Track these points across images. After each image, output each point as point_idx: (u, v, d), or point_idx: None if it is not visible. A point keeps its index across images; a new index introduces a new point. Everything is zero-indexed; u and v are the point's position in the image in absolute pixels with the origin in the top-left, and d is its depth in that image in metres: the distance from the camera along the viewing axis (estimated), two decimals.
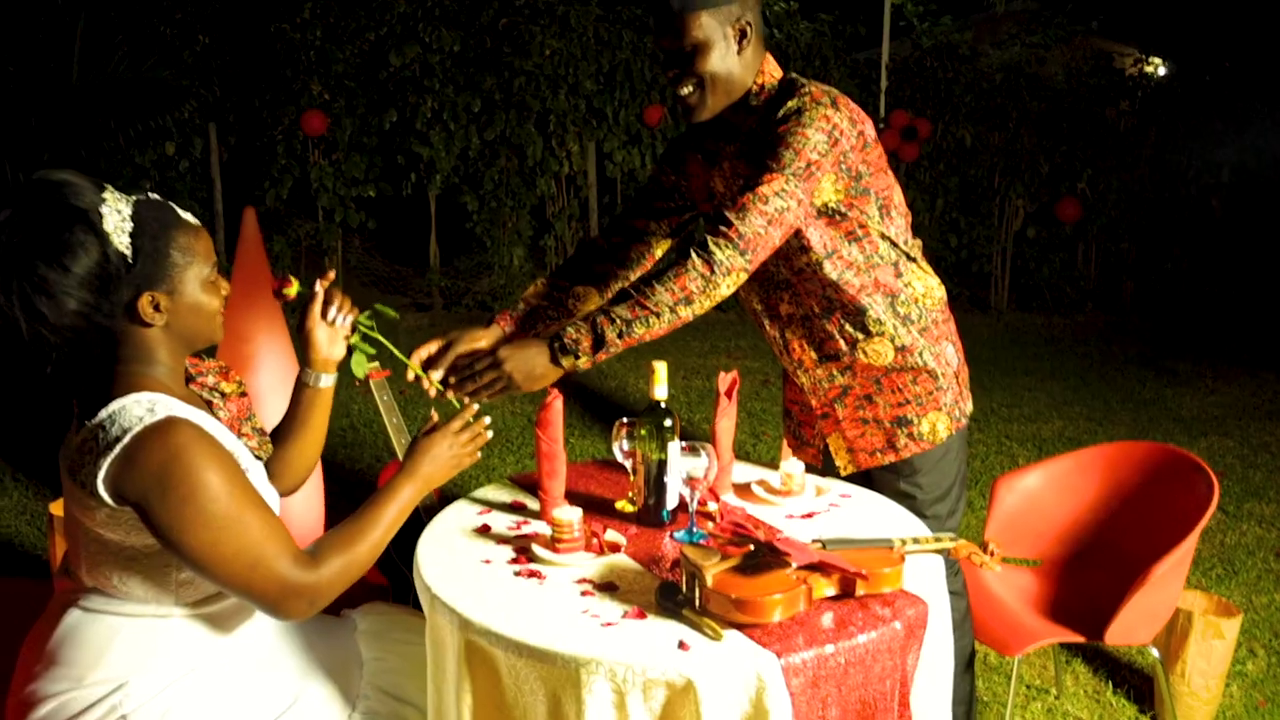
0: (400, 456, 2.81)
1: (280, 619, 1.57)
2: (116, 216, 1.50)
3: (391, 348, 1.92)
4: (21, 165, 6.49)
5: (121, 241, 1.50)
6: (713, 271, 1.87)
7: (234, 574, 1.50)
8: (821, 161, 1.94)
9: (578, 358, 1.89)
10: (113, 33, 6.75)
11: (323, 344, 1.88)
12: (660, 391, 1.98)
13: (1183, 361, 6.95)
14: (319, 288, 1.86)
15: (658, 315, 1.87)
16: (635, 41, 7.32)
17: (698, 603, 1.61)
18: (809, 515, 2.08)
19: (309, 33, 6.83)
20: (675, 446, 1.95)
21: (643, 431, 1.99)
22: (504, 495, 2.17)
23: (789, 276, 2.16)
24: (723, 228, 1.88)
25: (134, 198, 1.55)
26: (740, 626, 1.57)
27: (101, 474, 1.46)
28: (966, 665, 2.34)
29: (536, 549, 1.85)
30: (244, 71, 7.23)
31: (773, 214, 1.90)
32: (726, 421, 2.15)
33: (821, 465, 2.34)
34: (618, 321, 1.87)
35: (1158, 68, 9.21)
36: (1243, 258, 8.59)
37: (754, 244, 1.89)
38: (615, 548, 1.87)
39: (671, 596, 1.66)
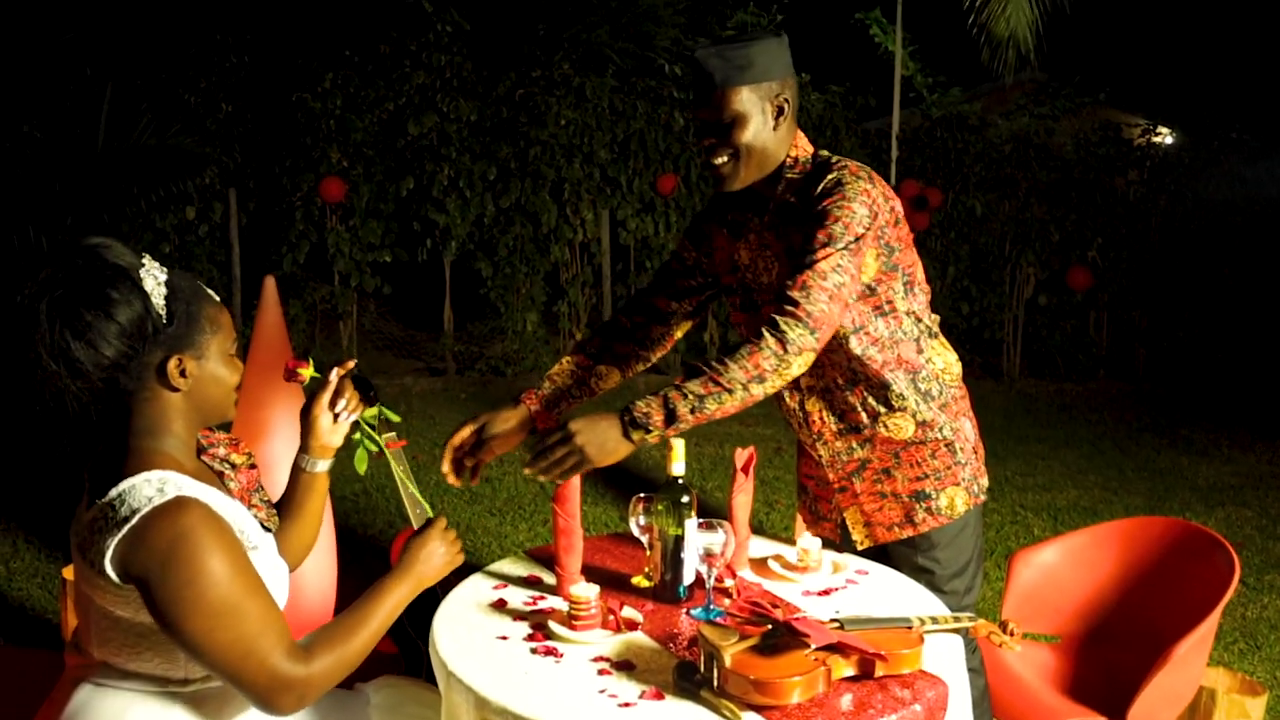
0: (415, 525, 2.81)
1: (267, 712, 1.55)
2: (153, 280, 1.55)
3: (388, 452, 1.91)
4: (45, 229, 6.60)
5: (160, 303, 1.55)
6: (785, 350, 1.88)
7: (226, 662, 1.49)
8: (866, 235, 1.97)
9: (649, 431, 1.90)
10: (138, 100, 6.91)
11: (324, 431, 1.87)
12: (678, 467, 1.99)
13: (1198, 430, 6.92)
14: (334, 376, 1.85)
15: (730, 392, 1.88)
16: (649, 112, 7.44)
17: (716, 683, 1.60)
18: (826, 592, 2.07)
19: (329, 101, 6.97)
20: (693, 523, 1.95)
21: (660, 507, 1.99)
22: (520, 569, 2.17)
23: None
24: (789, 307, 1.90)
25: (168, 270, 1.60)
26: (759, 708, 1.56)
27: (109, 553, 1.47)
28: None
29: (553, 626, 1.84)
30: (265, 138, 7.37)
31: (833, 290, 1.92)
32: (743, 497, 2.15)
33: (839, 540, 2.33)
34: (690, 397, 1.89)
35: (1165, 137, 9.30)
36: (1256, 325, 8.58)
37: (821, 322, 1.91)
38: (632, 625, 1.87)
39: (689, 676, 1.65)
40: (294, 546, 1.88)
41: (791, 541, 2.26)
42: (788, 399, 2.26)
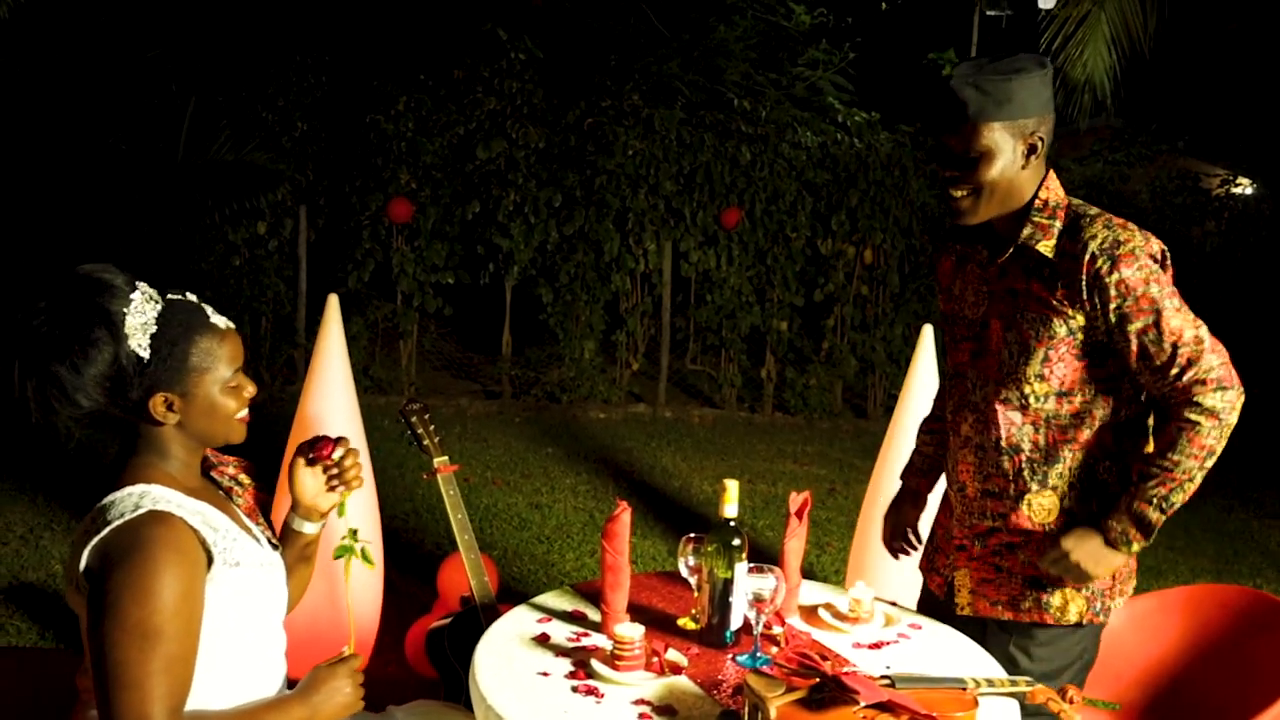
0: (463, 551, 2.80)
1: None
2: (140, 318, 1.54)
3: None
4: (121, 238, 6.77)
5: (140, 342, 1.54)
6: (1220, 419, 1.87)
7: (111, 680, 1.45)
8: (1167, 286, 1.89)
9: (1131, 544, 1.95)
10: (218, 117, 7.07)
11: (308, 490, 1.81)
12: (730, 509, 1.95)
13: (1270, 492, 6.68)
14: (341, 449, 1.79)
15: (1191, 479, 1.91)
16: (716, 145, 7.44)
17: None
18: (877, 645, 2.01)
19: (401, 124, 7.07)
20: (743, 566, 1.91)
21: (710, 548, 1.96)
22: (565, 604, 2.14)
23: (982, 400, 2.08)
24: (1196, 387, 1.87)
25: (167, 297, 1.59)
26: None
27: (84, 557, 1.50)
28: None
29: (595, 665, 1.81)
30: (337, 158, 7.50)
31: (1210, 342, 1.88)
32: (796, 542, 2.11)
33: (943, 597, 2.23)
34: (1155, 500, 1.91)
35: (1244, 188, 9.08)
36: None
37: (1229, 371, 1.88)
38: (676, 669, 1.83)
39: None
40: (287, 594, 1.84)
41: (842, 582, 2.20)
42: (953, 438, 2.19)
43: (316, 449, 1.78)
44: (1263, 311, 8.18)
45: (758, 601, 1.86)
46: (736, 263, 7.54)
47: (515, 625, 2.02)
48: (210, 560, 1.56)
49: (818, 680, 1.66)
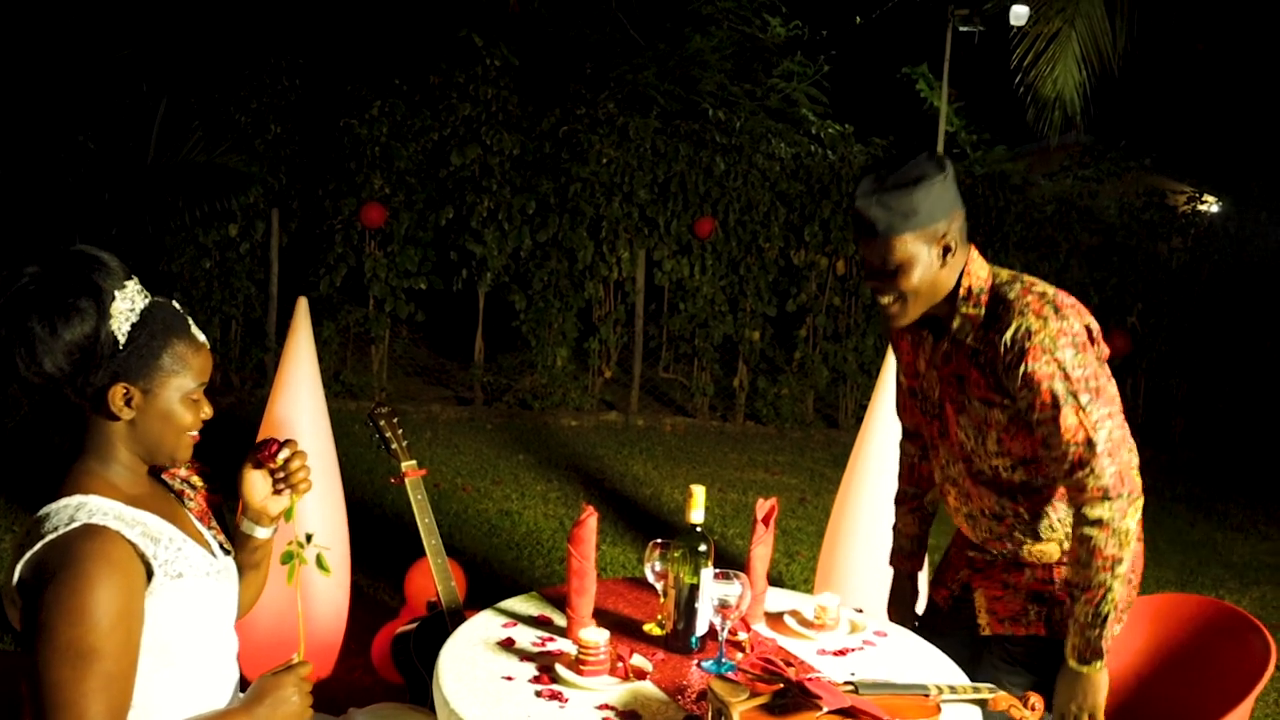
0: (430, 556, 2.79)
1: None
2: (127, 304, 1.53)
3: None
4: (90, 237, 6.70)
5: (120, 328, 1.52)
6: (1113, 528, 1.90)
7: (42, 701, 1.41)
8: (1079, 382, 1.90)
9: (1100, 657, 1.96)
10: (190, 117, 7.01)
11: (257, 493, 1.75)
12: (697, 515, 1.95)
13: (1234, 504, 6.76)
14: (286, 451, 1.74)
15: (1109, 588, 1.92)
16: (690, 155, 7.46)
17: None
18: (841, 652, 2.01)
19: (375, 129, 7.05)
20: (709, 572, 1.91)
21: (676, 554, 1.95)
22: (531, 608, 2.13)
23: (958, 475, 2.15)
24: (1084, 494, 1.91)
25: (154, 298, 1.58)
26: None
27: (17, 573, 1.46)
28: None
29: (560, 669, 1.80)
30: (310, 161, 7.46)
31: (1109, 445, 1.90)
32: (763, 549, 2.11)
33: (947, 610, 2.28)
34: (1089, 617, 1.94)
35: (1211, 205, 9.21)
36: None
37: (1120, 479, 1.91)
38: (641, 674, 1.82)
39: None
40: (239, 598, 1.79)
41: (810, 592, 2.21)
42: (946, 484, 2.21)
43: (261, 452, 1.74)
44: (1228, 328, 8.29)
45: (723, 607, 1.86)
46: (710, 272, 7.56)
47: (480, 629, 2.01)
48: (150, 574, 1.52)
49: (781, 686, 1.66)
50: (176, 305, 1.62)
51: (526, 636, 1.98)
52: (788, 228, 7.66)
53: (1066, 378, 1.88)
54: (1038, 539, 2.09)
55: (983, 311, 1.98)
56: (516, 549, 4.81)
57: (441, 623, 2.68)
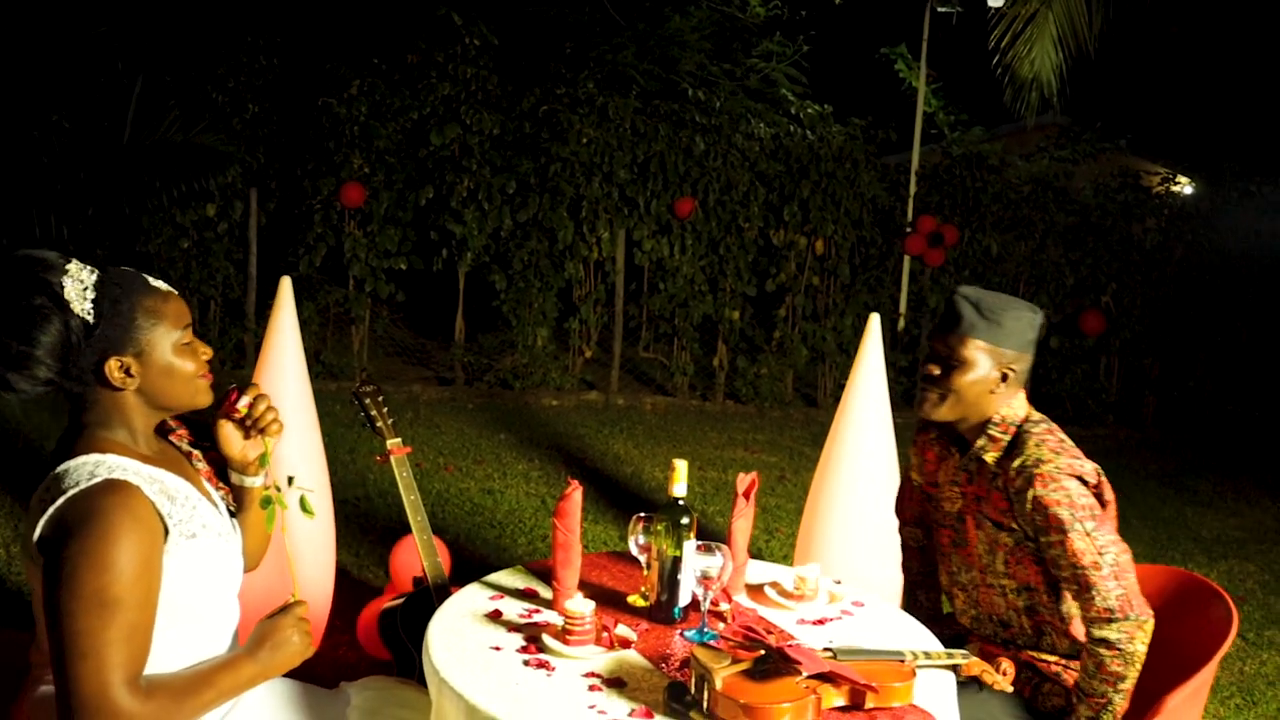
0: (415, 532, 2.82)
1: None
2: (78, 285, 1.56)
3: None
4: (67, 217, 6.65)
5: (83, 308, 1.56)
6: (1120, 649, 2.00)
7: (69, 651, 1.45)
8: (1083, 512, 2.02)
9: None
10: (167, 96, 6.96)
11: (235, 445, 1.78)
12: (679, 489, 2.00)
13: (1204, 481, 6.89)
14: (247, 397, 1.76)
15: (1110, 702, 2.02)
16: (670, 135, 7.48)
17: (705, 705, 1.61)
18: (821, 621, 2.07)
19: (354, 108, 7.02)
20: (691, 544, 1.96)
21: (659, 527, 2.00)
22: (517, 582, 2.17)
23: (969, 583, 2.27)
24: (1090, 613, 2.01)
25: (99, 270, 1.60)
26: None
27: (40, 526, 1.50)
28: None
29: (547, 639, 1.85)
30: (288, 141, 7.42)
31: (1114, 569, 2.00)
32: (743, 522, 2.16)
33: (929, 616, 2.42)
34: None
35: (1184, 186, 9.30)
36: (1267, 378, 8.55)
37: (1126, 601, 2.00)
38: (626, 643, 1.87)
39: (680, 698, 1.65)
40: (245, 554, 1.84)
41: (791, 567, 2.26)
42: (955, 588, 2.31)
43: (224, 404, 1.76)
44: (1200, 307, 8.40)
45: (705, 579, 1.91)
46: (689, 252, 7.60)
47: (468, 602, 2.05)
48: (166, 532, 1.57)
49: (762, 652, 1.71)
50: (127, 268, 1.64)
51: (513, 609, 2.03)
52: (767, 208, 7.70)
53: (1073, 505, 2.02)
54: (1039, 649, 2.21)
55: (1006, 439, 2.13)
56: (499, 527, 4.85)
57: (428, 598, 2.72)
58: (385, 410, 2.81)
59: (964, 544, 2.25)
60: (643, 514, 2.12)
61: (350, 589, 3.89)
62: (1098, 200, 8.18)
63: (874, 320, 3.47)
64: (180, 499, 1.61)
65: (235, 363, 7.20)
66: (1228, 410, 8.48)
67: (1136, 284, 8.20)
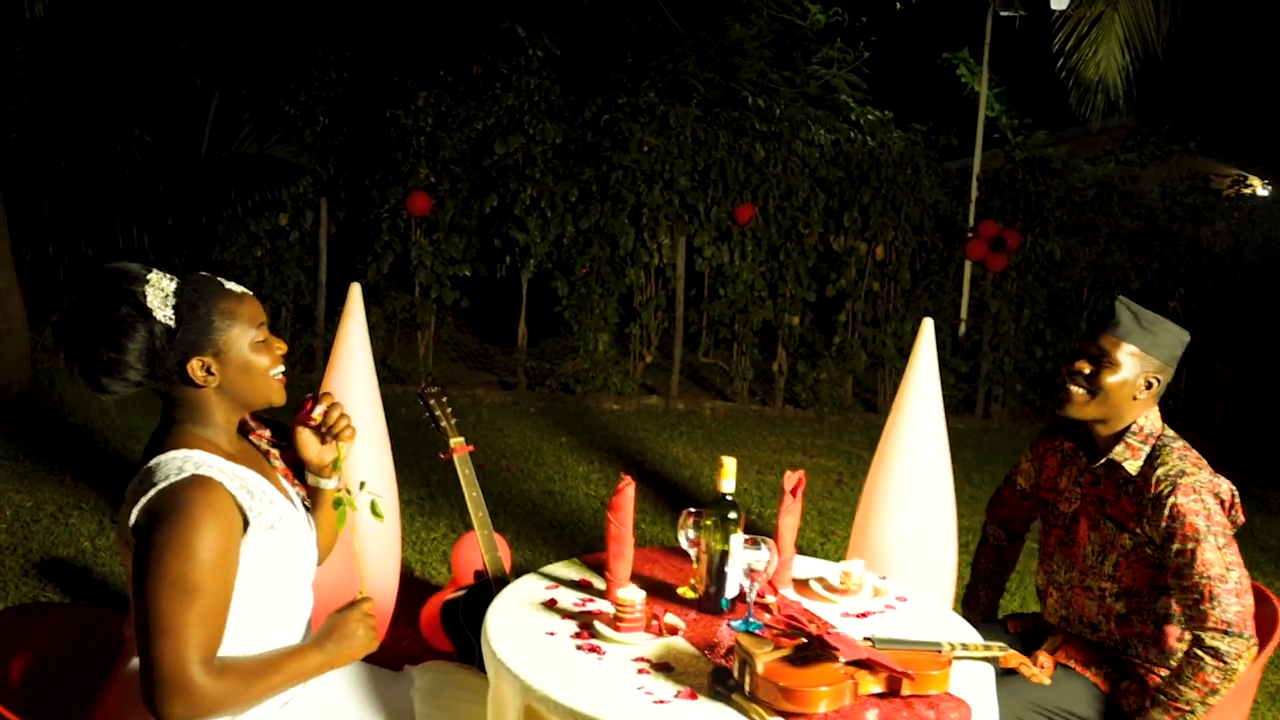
0: (476, 527, 2.94)
1: (148, 704, 1.60)
2: (159, 293, 1.71)
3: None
4: (147, 227, 6.94)
5: (165, 314, 1.70)
6: (1225, 663, 2.07)
7: (152, 629, 1.58)
8: (1218, 528, 2.12)
9: None
10: (241, 110, 7.23)
11: (312, 450, 1.91)
12: (727, 485, 2.08)
13: (1274, 490, 6.75)
14: (322, 405, 1.89)
15: (1191, 711, 2.10)
16: (730, 142, 7.55)
17: (747, 689, 1.68)
18: (864, 615, 2.13)
19: (421, 119, 7.22)
20: (738, 538, 2.04)
21: (708, 522, 2.08)
22: (572, 573, 2.27)
23: (1066, 584, 2.38)
24: (1210, 624, 2.08)
25: (179, 278, 1.75)
26: (787, 715, 1.64)
27: (133, 515, 1.64)
28: None
29: (599, 626, 1.94)
30: (357, 152, 7.65)
31: (1236, 588, 2.09)
32: (790, 518, 2.23)
33: (1013, 632, 2.49)
34: None
35: (1256, 188, 9.12)
36: None
37: (1241, 623, 2.08)
38: (674, 630, 1.96)
39: (723, 681, 1.73)
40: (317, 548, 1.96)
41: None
42: (1051, 588, 2.42)
43: (300, 412, 1.90)
44: (1271, 311, 8.23)
45: (752, 572, 1.99)
46: (750, 258, 7.66)
47: (525, 592, 2.15)
48: (246, 524, 1.70)
49: (803, 640, 1.78)
50: (204, 272, 1.79)
51: (568, 598, 2.13)
52: (827, 213, 7.73)
53: (1209, 518, 2.11)
54: (1121, 655, 2.29)
55: (1146, 449, 2.24)
56: (559, 527, 4.97)
57: (488, 590, 2.83)
58: (449, 411, 2.94)
59: (1071, 544, 2.34)
60: (693, 509, 2.21)
61: (414, 585, 4.02)
62: (1165, 203, 8.07)
63: (927, 324, 3.51)
64: (259, 494, 1.74)
65: (305, 367, 7.43)
66: None
67: (1205, 288, 8.06)
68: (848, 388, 7.94)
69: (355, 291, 3.51)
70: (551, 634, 1.94)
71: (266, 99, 7.34)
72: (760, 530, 4.93)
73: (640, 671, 1.79)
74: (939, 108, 8.85)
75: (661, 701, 1.68)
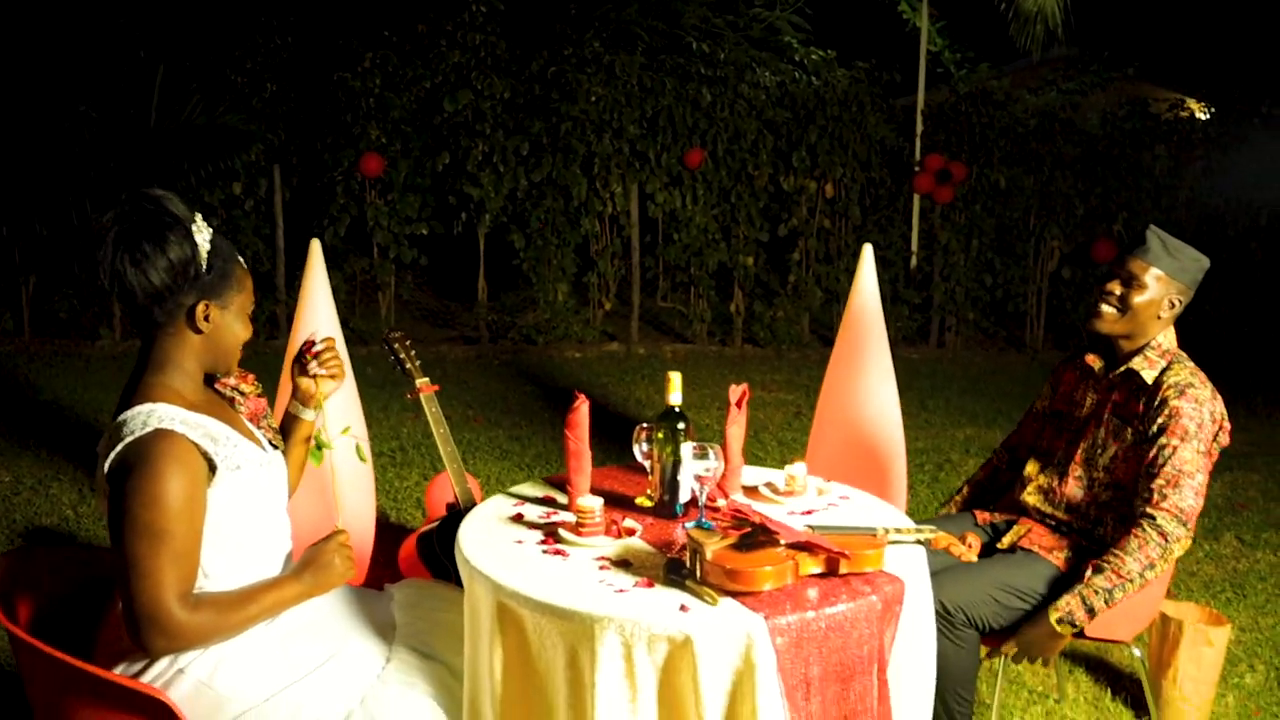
0: (447, 461, 3.07)
1: (136, 640, 1.75)
2: (203, 234, 1.84)
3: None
4: (101, 204, 6.94)
5: (203, 253, 1.83)
6: (1166, 541, 2.34)
7: (130, 571, 1.72)
8: (1204, 436, 2.39)
9: (1074, 625, 2.36)
10: (188, 81, 7.21)
11: (304, 384, 2.15)
12: (675, 398, 2.24)
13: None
14: (320, 344, 2.15)
15: (1131, 581, 2.33)
16: (677, 88, 7.64)
17: (698, 574, 1.85)
18: (809, 512, 2.31)
19: (369, 81, 7.24)
20: (688, 447, 2.19)
21: (659, 434, 2.24)
22: (536, 491, 2.43)
23: (1058, 472, 2.63)
24: (1164, 504, 2.35)
25: (212, 229, 1.89)
26: (734, 594, 1.81)
27: (105, 467, 1.78)
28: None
29: (562, 532, 2.10)
30: (307, 117, 7.66)
31: (1198, 488, 2.35)
32: (736, 428, 2.39)
33: (979, 524, 2.74)
34: (1100, 592, 2.34)
35: (1194, 111, 9.34)
36: None
37: (1191, 516, 2.35)
38: (631, 532, 2.12)
39: (677, 570, 1.90)
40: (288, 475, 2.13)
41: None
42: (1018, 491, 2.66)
43: (303, 347, 2.15)
44: (1212, 231, 8.47)
45: (701, 478, 2.15)
46: (701, 202, 7.79)
47: (494, 509, 2.31)
48: (214, 468, 1.83)
49: (748, 529, 1.95)
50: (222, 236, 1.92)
51: (534, 512, 2.28)
52: (776, 154, 7.86)
53: (1200, 426, 2.40)
54: (1090, 540, 2.55)
55: (1163, 363, 2.51)
56: (529, 469, 5.12)
57: (460, 519, 2.97)
58: (414, 354, 3.06)
59: (1078, 440, 2.59)
60: (645, 424, 2.36)
61: (390, 530, 4.17)
62: (1105, 130, 8.26)
63: (866, 250, 3.68)
64: (223, 439, 1.86)
65: (269, 334, 7.50)
66: (1243, 331, 8.58)
67: (1147, 211, 8.28)
68: (804, 324, 8.12)
69: (315, 248, 3.59)
70: (520, 542, 2.10)
71: (213, 68, 7.32)
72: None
73: (602, 568, 1.95)
74: (882, 45, 8.96)
75: (621, 591, 1.84)
